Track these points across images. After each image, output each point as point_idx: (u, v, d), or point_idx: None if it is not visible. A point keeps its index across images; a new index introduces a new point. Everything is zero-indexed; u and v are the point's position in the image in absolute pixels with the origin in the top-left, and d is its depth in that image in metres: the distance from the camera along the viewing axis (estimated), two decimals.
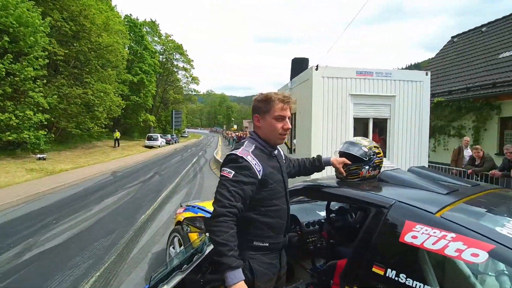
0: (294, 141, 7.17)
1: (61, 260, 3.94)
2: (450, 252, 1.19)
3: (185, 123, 62.75)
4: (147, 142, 29.60)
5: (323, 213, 2.90)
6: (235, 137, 29.10)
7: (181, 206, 3.62)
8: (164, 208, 6.58)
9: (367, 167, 1.90)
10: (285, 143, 7.34)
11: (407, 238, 1.31)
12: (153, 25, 42.00)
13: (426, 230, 1.29)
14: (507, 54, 11.60)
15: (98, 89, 21.41)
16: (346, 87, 5.85)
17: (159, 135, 32.54)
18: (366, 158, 1.90)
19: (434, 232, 1.26)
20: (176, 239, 3.04)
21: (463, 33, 16.42)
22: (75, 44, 20.36)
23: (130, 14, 36.99)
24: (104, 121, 23.42)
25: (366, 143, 1.97)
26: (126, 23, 34.09)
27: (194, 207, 3.20)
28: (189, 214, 3.04)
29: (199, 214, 2.90)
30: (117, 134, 26.23)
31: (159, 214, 6.16)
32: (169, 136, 38.55)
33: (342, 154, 2.02)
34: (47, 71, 18.43)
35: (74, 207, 6.74)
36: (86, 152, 20.00)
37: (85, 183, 9.96)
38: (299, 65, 7.19)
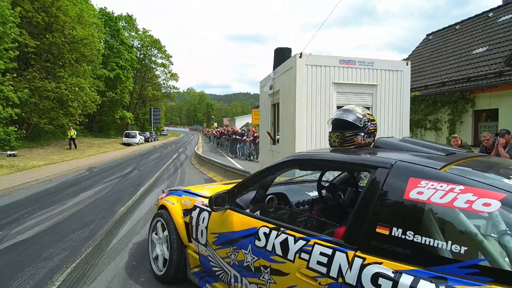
0: (278, 135, 7.11)
1: (34, 252, 3.68)
2: (459, 204, 1.13)
3: (164, 121, 61.63)
4: (125, 140, 28.73)
5: (312, 194, 2.83)
6: (216, 133, 28.79)
7: (163, 192, 3.45)
8: (145, 200, 6.34)
9: (362, 134, 1.85)
10: (268, 133, 7.26)
11: (412, 195, 1.25)
12: (129, 19, 40.88)
13: (432, 185, 1.23)
14: (480, 50, 12.04)
15: (72, 83, 20.57)
16: (330, 75, 5.84)
17: (137, 132, 31.70)
18: (361, 124, 1.84)
19: (441, 186, 1.21)
20: (159, 224, 2.87)
21: (438, 31, 16.93)
22: (47, 36, 19.48)
23: (105, 8, 35.78)
24: (78, 117, 22.56)
25: (360, 110, 1.92)
26: (101, 16, 33.00)
27: (178, 190, 3.05)
28: (173, 198, 2.89)
29: (184, 197, 2.76)
30: (72, 132, 20.11)
31: (140, 206, 5.92)
32: (147, 133, 37.70)
33: (335, 121, 1.95)
34: (18, 64, 17.53)
35: (47, 201, 6.38)
36: (59, 149, 19.16)
37: (59, 179, 9.50)
38: (282, 55, 7.12)
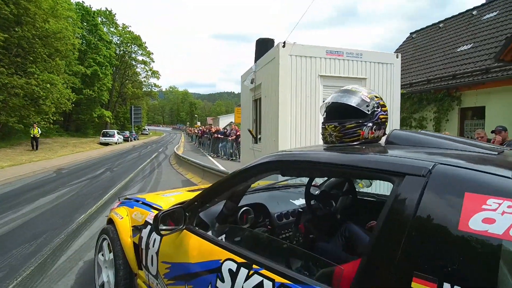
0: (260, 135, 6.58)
1: None
2: None
3: (145, 120, 60.06)
4: (102, 139, 27.52)
5: (298, 202, 2.30)
6: (197, 132, 28.03)
7: (118, 199, 2.84)
8: (111, 207, 5.66)
9: (370, 125, 1.31)
10: (249, 131, 6.71)
11: (475, 224, 0.72)
12: (108, 14, 39.40)
13: (510, 206, 0.70)
14: (465, 47, 11.90)
15: (43, 79, 19.36)
16: (316, 67, 5.34)
17: (115, 131, 30.47)
18: (368, 111, 1.31)
19: None
20: (105, 243, 2.27)
21: (422, 29, 16.88)
22: (16, 29, 18.23)
23: (83, 1, 34.28)
24: (52, 116, 21.31)
25: (365, 92, 1.38)
26: (77, 10, 31.56)
27: (131, 199, 2.44)
28: (123, 210, 2.29)
29: (136, 208, 2.17)
30: (36, 131, 17.68)
31: (103, 212, 5.25)
32: (127, 132, 36.43)
33: (332, 106, 1.40)
34: None
35: None
36: (30, 150, 17.97)
37: (21, 181, 8.64)
38: (264, 46, 6.58)
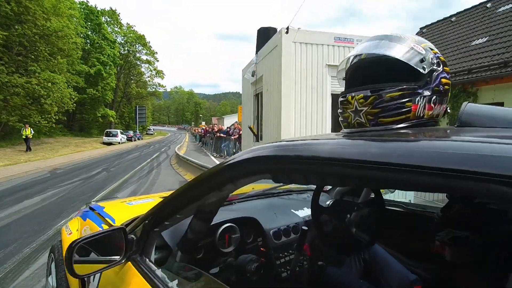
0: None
1: None
2: None
3: (150, 119, 59.89)
4: (105, 139, 27.27)
5: (303, 213, 1.76)
6: (200, 132, 27.62)
7: (86, 206, 2.33)
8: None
9: (427, 93, 0.76)
10: (250, 128, 6.19)
11: None
12: (112, 14, 39.18)
13: None
14: (480, 41, 11.29)
15: (45, 78, 19.06)
16: (323, 55, 4.79)
17: (119, 131, 30.20)
18: (423, 69, 0.76)
19: None
20: (53, 265, 1.77)
21: (432, 24, 16.29)
22: (16, 27, 17.98)
23: (87, 1, 34.07)
24: (54, 115, 21.02)
25: (416, 38, 0.82)
26: (81, 10, 31.38)
27: (89, 209, 1.91)
28: (75, 223, 1.79)
29: (88, 221, 1.65)
30: (28, 131, 16.40)
31: None
32: (130, 132, 36.16)
33: (361, 64, 0.86)
34: None
35: None
36: (25, 151, 17.61)
37: (12, 182, 8.23)
38: (266, 36, 6.05)
